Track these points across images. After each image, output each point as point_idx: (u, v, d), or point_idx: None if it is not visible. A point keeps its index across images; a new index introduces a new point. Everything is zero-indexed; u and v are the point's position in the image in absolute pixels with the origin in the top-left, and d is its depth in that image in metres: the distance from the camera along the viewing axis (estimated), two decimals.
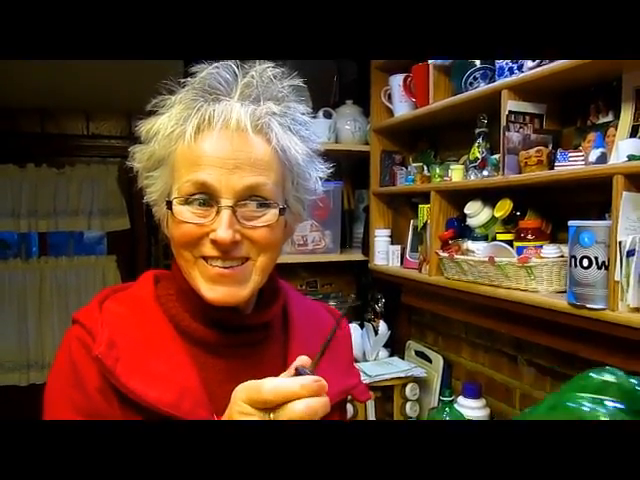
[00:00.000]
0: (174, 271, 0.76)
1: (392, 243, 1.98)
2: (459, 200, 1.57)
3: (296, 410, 0.53)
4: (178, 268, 0.73)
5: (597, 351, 1.11)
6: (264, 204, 0.68)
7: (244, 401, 0.55)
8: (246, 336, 0.75)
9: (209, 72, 0.69)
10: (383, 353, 1.97)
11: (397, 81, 1.82)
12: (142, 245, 3.29)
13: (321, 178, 0.76)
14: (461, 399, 1.60)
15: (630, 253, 0.98)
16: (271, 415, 0.54)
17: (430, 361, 1.91)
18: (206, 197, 0.67)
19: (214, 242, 0.66)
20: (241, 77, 0.69)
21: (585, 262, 1.06)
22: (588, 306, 1.06)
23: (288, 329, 0.80)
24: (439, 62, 1.58)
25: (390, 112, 1.95)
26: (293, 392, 0.53)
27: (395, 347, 2.09)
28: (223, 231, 0.65)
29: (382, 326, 1.96)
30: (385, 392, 1.79)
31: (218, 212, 0.66)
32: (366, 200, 2.19)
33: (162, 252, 3.10)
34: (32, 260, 3.17)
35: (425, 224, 1.68)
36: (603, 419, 0.54)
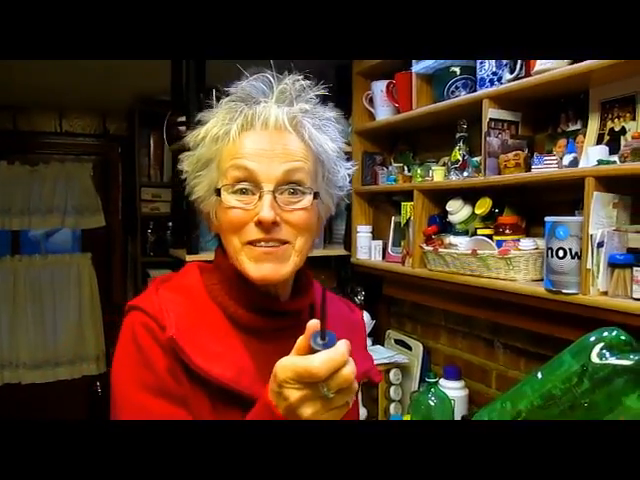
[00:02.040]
0: (218, 262, 0.85)
1: (373, 238, 2.11)
2: (440, 198, 1.71)
3: (346, 375, 0.59)
4: (223, 259, 0.82)
5: (570, 331, 1.26)
6: (299, 191, 0.77)
7: (292, 378, 0.59)
8: (282, 321, 0.83)
9: (249, 82, 0.80)
10: (367, 342, 2.10)
11: (379, 87, 1.95)
12: (118, 242, 3.32)
13: (348, 175, 0.86)
14: (442, 381, 1.74)
15: (600, 244, 1.14)
16: (323, 385, 0.59)
17: (410, 348, 2.05)
18: (249, 185, 0.76)
19: (258, 224, 0.75)
20: (276, 85, 0.79)
21: (560, 253, 1.21)
22: (563, 291, 1.21)
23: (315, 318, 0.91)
24: (422, 71, 1.71)
25: (371, 115, 2.07)
26: (340, 361, 0.58)
27: (375, 336, 2.22)
28: (266, 212, 0.74)
29: (366, 316, 2.09)
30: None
31: (260, 197, 0.75)
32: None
33: (140, 250, 3.14)
34: (5, 259, 3.16)
35: (408, 220, 1.82)
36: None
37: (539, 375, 0.77)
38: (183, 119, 2.07)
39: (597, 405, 0.69)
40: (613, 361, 0.70)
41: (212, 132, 0.79)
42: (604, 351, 0.71)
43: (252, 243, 0.77)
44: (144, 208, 3.19)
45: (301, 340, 0.62)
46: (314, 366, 0.58)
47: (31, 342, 3.18)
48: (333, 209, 0.88)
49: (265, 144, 0.76)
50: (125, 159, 3.31)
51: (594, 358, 0.71)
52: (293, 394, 0.60)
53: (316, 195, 0.79)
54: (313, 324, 0.61)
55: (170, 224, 3.23)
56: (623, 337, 0.72)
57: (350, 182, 0.88)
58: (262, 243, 0.76)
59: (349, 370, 0.59)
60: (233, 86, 0.81)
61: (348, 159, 0.87)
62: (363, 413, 1.97)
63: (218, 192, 0.78)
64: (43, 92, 2.95)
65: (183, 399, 0.74)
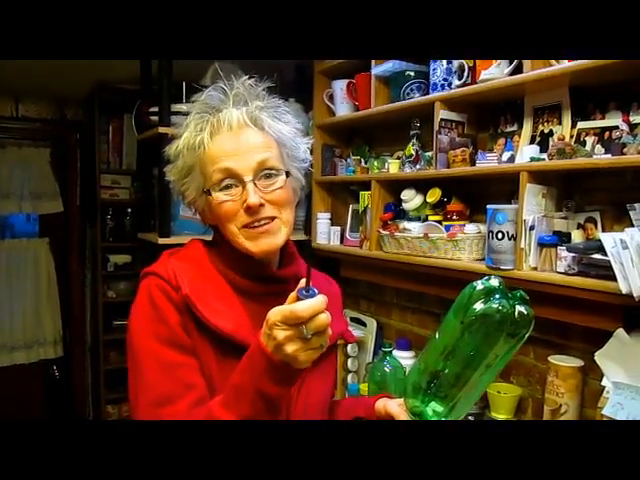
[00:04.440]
0: (216, 240, 1.00)
1: (332, 224, 2.29)
2: (395, 188, 1.91)
3: (322, 320, 0.73)
4: (221, 239, 0.97)
5: None
6: (273, 174, 0.93)
7: (280, 321, 0.73)
8: (273, 286, 0.99)
9: (207, 94, 0.95)
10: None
11: (340, 85, 2.13)
12: (75, 228, 3.35)
13: (308, 148, 1.02)
14: (395, 352, 1.95)
15: (531, 228, 1.36)
16: (303, 327, 0.72)
17: (364, 325, 2.26)
18: (232, 181, 0.91)
19: (248, 209, 0.90)
20: (230, 91, 0.95)
21: (499, 235, 1.43)
22: (501, 267, 1.43)
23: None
24: (380, 73, 1.90)
25: (330, 111, 2.25)
26: (318, 308, 0.73)
27: None
28: (253, 198, 0.89)
29: None
30: (331, 346, 2.11)
31: (244, 187, 0.91)
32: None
33: (100, 235, 3.19)
34: None
35: (366, 208, 2.01)
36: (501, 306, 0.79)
37: (437, 335, 0.88)
38: (154, 109, 2.16)
39: (480, 350, 0.80)
40: (480, 309, 0.79)
41: (187, 143, 0.94)
42: (476, 301, 0.81)
43: (246, 226, 0.92)
44: (103, 194, 3.24)
45: (291, 295, 0.76)
46: (298, 309, 0.72)
47: None
48: (302, 179, 1.03)
49: (235, 143, 0.91)
50: (83, 145, 3.34)
51: (469, 310, 0.80)
52: (280, 334, 0.74)
53: (287, 174, 0.95)
54: (301, 282, 0.77)
55: (129, 210, 3.30)
56: (487, 285, 0.82)
57: (311, 153, 1.04)
58: (255, 224, 0.92)
59: (324, 316, 0.73)
60: (195, 99, 0.97)
61: (304, 135, 1.02)
62: None
63: (208, 192, 0.93)
64: None
65: (192, 349, 0.88)
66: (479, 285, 0.83)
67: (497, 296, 0.80)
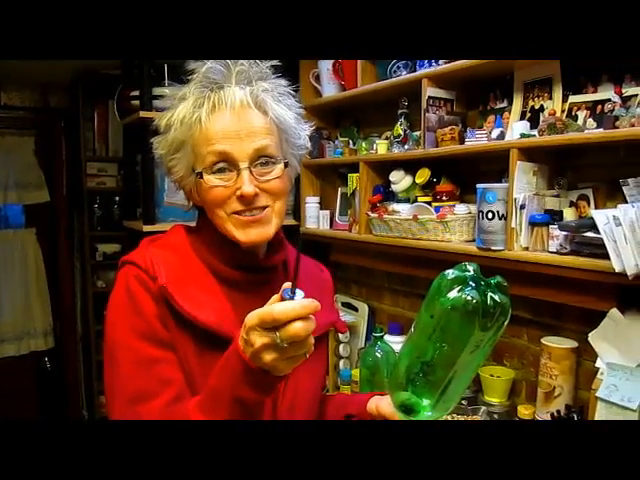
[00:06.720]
0: (201, 226, 0.95)
1: (321, 208, 2.25)
2: (384, 170, 1.86)
3: (297, 328, 0.65)
4: (206, 225, 0.92)
5: None
6: (270, 162, 0.87)
7: (257, 324, 0.67)
8: (259, 276, 0.93)
9: (208, 67, 0.87)
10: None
11: (326, 65, 2.07)
12: (63, 217, 3.29)
13: (308, 135, 0.96)
14: (387, 337, 1.92)
15: (522, 207, 1.32)
16: (277, 333, 0.65)
17: (356, 310, 2.22)
18: (227, 165, 0.85)
19: (241, 197, 0.84)
20: (233, 67, 0.87)
21: (490, 215, 1.39)
22: (492, 248, 1.39)
23: (288, 274, 1.00)
24: None
25: (317, 92, 2.20)
26: (299, 312, 0.65)
27: None
28: (247, 187, 0.84)
29: None
30: (321, 336, 2.07)
31: (238, 174, 0.85)
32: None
33: (87, 224, 3.14)
34: None
35: (354, 190, 1.96)
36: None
37: (412, 330, 0.82)
38: (135, 93, 2.11)
39: (455, 344, 0.74)
40: (448, 302, 0.73)
41: (183, 117, 0.87)
42: (445, 293, 0.74)
43: (237, 213, 0.86)
44: (90, 182, 3.18)
45: (274, 297, 0.70)
46: (274, 310, 0.65)
47: None
48: (299, 167, 0.98)
49: (234, 125, 0.84)
50: (68, 133, 3.27)
51: (437, 303, 0.74)
52: (257, 340, 0.68)
53: (286, 164, 0.89)
54: (287, 283, 0.70)
55: (117, 198, 3.24)
56: (458, 274, 0.75)
57: (311, 140, 0.97)
58: (246, 213, 0.86)
59: (300, 325, 0.65)
60: (194, 68, 0.88)
61: (305, 122, 0.96)
62: None
63: (199, 174, 0.86)
64: None
65: (170, 343, 0.83)
66: (449, 274, 0.76)
67: (468, 286, 0.73)
